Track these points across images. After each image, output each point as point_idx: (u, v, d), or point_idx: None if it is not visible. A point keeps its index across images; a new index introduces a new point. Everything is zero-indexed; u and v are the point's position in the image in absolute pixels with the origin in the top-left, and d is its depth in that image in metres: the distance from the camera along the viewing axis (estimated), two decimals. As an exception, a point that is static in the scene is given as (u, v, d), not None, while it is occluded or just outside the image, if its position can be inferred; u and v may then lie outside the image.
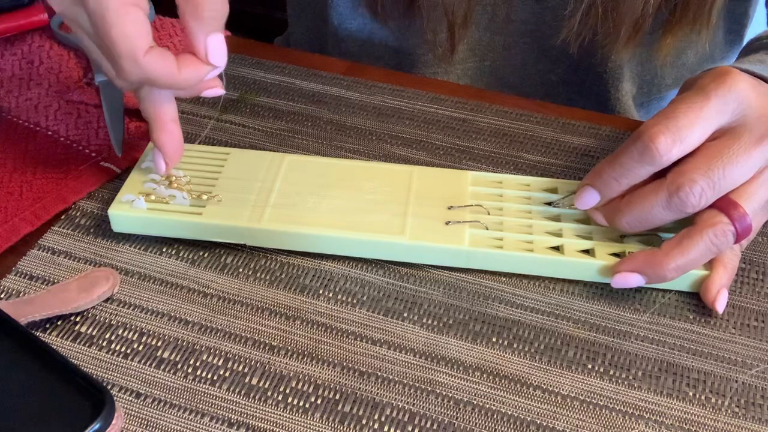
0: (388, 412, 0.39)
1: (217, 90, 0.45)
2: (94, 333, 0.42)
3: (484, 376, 0.41)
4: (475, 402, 0.40)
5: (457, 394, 0.40)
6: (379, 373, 0.41)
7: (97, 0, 0.38)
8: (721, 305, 0.43)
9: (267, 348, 0.42)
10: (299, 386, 0.40)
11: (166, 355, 0.42)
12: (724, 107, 0.42)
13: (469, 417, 0.39)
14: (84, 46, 0.43)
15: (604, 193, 0.44)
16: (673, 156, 0.41)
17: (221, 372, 0.41)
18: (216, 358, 0.41)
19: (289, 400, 0.40)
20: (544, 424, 0.39)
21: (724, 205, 0.41)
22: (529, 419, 0.39)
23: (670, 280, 0.43)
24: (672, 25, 0.60)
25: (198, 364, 0.41)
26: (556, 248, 0.45)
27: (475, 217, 0.46)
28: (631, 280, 0.43)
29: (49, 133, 0.54)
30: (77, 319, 0.43)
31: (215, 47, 0.41)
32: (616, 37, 0.60)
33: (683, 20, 0.59)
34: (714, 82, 0.42)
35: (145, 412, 0.39)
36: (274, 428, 0.38)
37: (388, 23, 0.66)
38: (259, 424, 0.39)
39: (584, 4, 0.57)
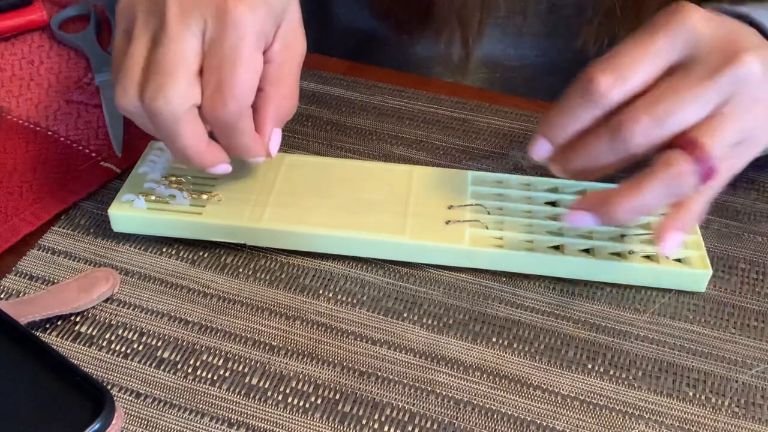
0: (388, 412, 0.39)
1: (225, 168, 0.45)
2: (94, 333, 0.42)
3: (484, 376, 0.41)
4: (475, 402, 0.40)
5: (457, 394, 0.40)
6: (379, 373, 0.41)
7: (167, 120, 0.40)
8: (667, 247, 0.40)
9: (267, 348, 0.42)
10: (299, 386, 0.40)
11: (166, 355, 0.42)
12: (673, 42, 0.38)
13: (469, 417, 0.39)
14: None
15: (554, 141, 0.41)
16: (614, 96, 0.38)
17: (221, 372, 0.41)
18: (216, 358, 0.41)
19: (289, 400, 0.40)
20: (544, 424, 0.39)
21: (685, 143, 0.38)
22: (529, 419, 0.39)
23: (624, 221, 0.41)
24: None
25: (198, 364, 0.41)
26: (557, 248, 0.45)
27: (475, 217, 0.46)
28: (583, 218, 0.41)
29: (49, 133, 0.54)
30: (77, 319, 0.43)
31: (277, 139, 0.45)
32: None
33: None
34: (664, 17, 0.39)
35: (145, 412, 0.39)
36: (274, 428, 0.38)
37: (399, 32, 0.65)
38: (259, 424, 0.39)
39: (602, 9, 0.56)
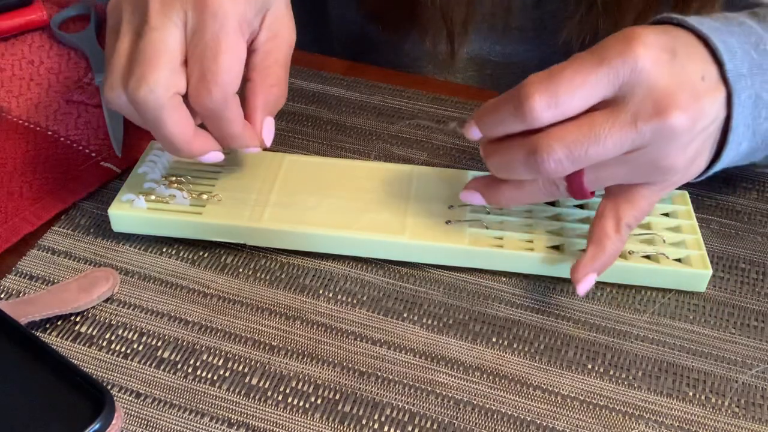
0: (388, 412, 0.39)
1: (216, 156, 0.45)
2: (94, 333, 0.42)
3: (484, 376, 0.41)
4: (475, 402, 0.40)
5: (457, 394, 0.40)
6: (379, 373, 0.41)
7: (151, 108, 0.41)
8: (583, 289, 0.42)
9: (267, 348, 0.42)
10: (299, 386, 0.40)
11: (166, 355, 0.42)
12: (614, 78, 0.37)
13: (469, 417, 0.39)
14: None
15: (484, 133, 0.42)
16: (545, 119, 0.38)
17: (221, 372, 0.41)
18: (216, 358, 0.41)
19: (289, 400, 0.40)
20: (544, 424, 0.39)
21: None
22: (529, 419, 0.39)
23: (505, 206, 0.44)
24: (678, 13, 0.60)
25: (198, 364, 0.41)
26: (557, 247, 0.45)
27: (475, 217, 0.46)
28: (472, 197, 0.44)
29: (49, 133, 0.54)
30: (77, 319, 0.43)
31: (269, 128, 0.46)
32: None
33: (687, 12, 0.59)
34: (615, 47, 0.38)
35: (145, 412, 0.39)
36: (274, 428, 0.38)
37: (388, 31, 0.66)
38: (259, 424, 0.39)
39: (584, 4, 0.57)
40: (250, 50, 0.44)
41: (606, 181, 0.41)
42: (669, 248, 0.45)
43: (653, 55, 0.37)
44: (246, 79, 0.44)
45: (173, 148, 0.43)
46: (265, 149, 0.46)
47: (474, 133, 0.42)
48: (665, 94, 0.37)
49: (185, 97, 0.42)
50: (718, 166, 0.42)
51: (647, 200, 0.42)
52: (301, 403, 0.39)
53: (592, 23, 0.58)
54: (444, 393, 0.40)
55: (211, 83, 0.40)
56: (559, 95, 0.37)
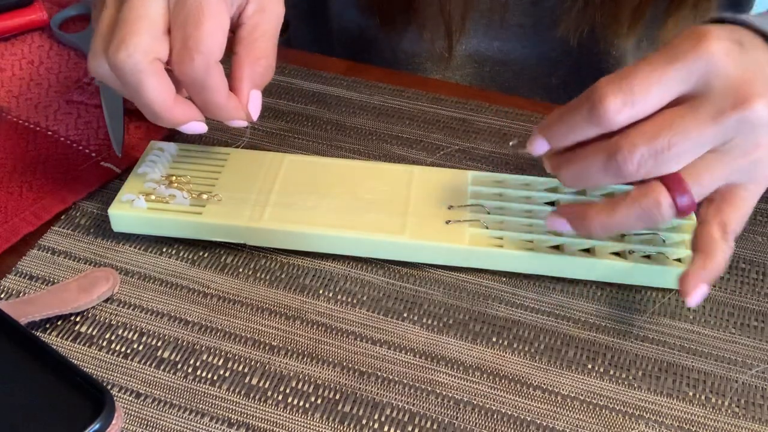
0: (388, 412, 0.39)
1: (198, 126, 0.45)
2: (94, 333, 0.42)
3: (484, 376, 0.41)
4: (475, 402, 0.40)
5: (457, 394, 0.40)
6: (379, 373, 0.41)
7: (130, 72, 0.40)
8: (695, 301, 0.40)
9: (267, 348, 0.42)
10: (299, 386, 0.40)
11: (166, 355, 0.42)
12: (689, 74, 0.37)
13: (469, 417, 0.39)
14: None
15: (553, 144, 0.41)
16: (621, 121, 0.37)
17: (221, 372, 0.41)
18: (216, 358, 0.41)
19: (289, 400, 0.40)
20: (544, 424, 0.39)
21: (669, 176, 0.38)
22: (529, 419, 0.39)
23: (595, 235, 0.42)
24: (673, 8, 0.60)
25: (198, 364, 0.41)
26: (557, 247, 0.45)
27: (475, 216, 0.46)
28: (559, 224, 0.42)
29: (49, 133, 0.54)
30: (77, 319, 0.43)
31: (256, 101, 0.45)
32: (616, 27, 0.59)
33: (684, 5, 0.59)
34: (686, 43, 0.38)
35: (145, 412, 0.39)
36: (274, 428, 0.38)
37: (386, 27, 0.66)
38: (259, 424, 0.39)
39: None
40: (238, 24, 0.44)
41: (709, 186, 0.39)
42: (669, 248, 0.45)
43: (725, 48, 0.37)
44: (233, 53, 0.44)
45: (153, 115, 0.42)
46: (252, 122, 0.45)
47: (540, 146, 0.41)
48: (742, 84, 0.37)
49: (172, 76, 0.42)
50: None
51: (748, 202, 0.41)
52: (301, 403, 0.39)
53: (589, 17, 0.58)
54: (444, 393, 0.40)
55: (193, 50, 0.40)
56: (635, 94, 0.37)
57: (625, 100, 0.37)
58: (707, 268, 0.40)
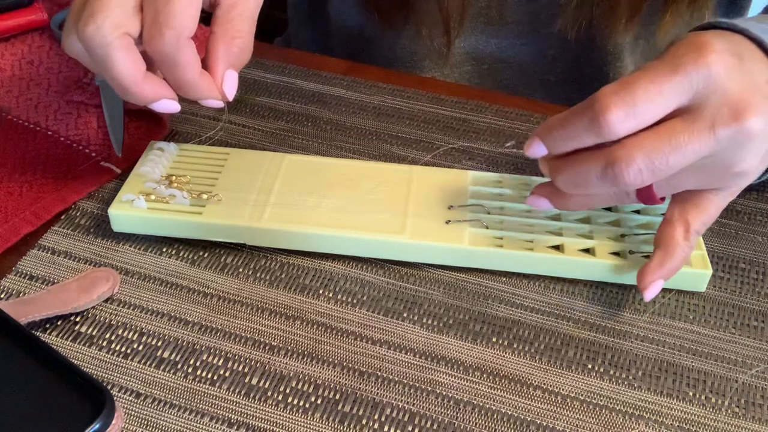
0: (388, 412, 0.39)
1: (170, 104, 0.44)
2: (94, 333, 0.42)
3: (484, 376, 0.41)
4: (475, 402, 0.40)
5: (457, 394, 0.40)
6: (379, 373, 0.41)
7: (98, 46, 0.40)
8: (650, 295, 0.42)
9: (267, 348, 0.42)
10: (299, 386, 0.40)
11: (166, 355, 0.42)
12: (689, 86, 0.38)
13: (469, 417, 0.39)
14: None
15: (550, 149, 0.41)
16: (622, 131, 0.38)
17: (221, 372, 0.41)
18: (216, 358, 0.41)
19: (289, 400, 0.40)
20: (544, 424, 0.39)
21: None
22: (529, 419, 0.39)
23: (572, 210, 0.44)
24: (670, 3, 0.60)
25: (198, 364, 0.41)
26: (557, 247, 0.45)
27: (475, 217, 0.46)
28: (539, 203, 0.44)
29: (49, 133, 0.54)
30: (77, 319, 0.43)
31: (231, 80, 0.44)
32: (613, 21, 0.59)
33: (680, 4, 0.59)
34: (687, 54, 0.38)
35: (145, 412, 0.39)
36: (274, 428, 0.38)
37: (384, 23, 0.66)
38: (259, 424, 0.39)
39: None
40: (214, 3, 0.44)
41: (677, 188, 0.40)
42: (669, 248, 0.45)
43: (725, 61, 0.38)
44: (211, 33, 0.44)
45: (123, 90, 0.42)
46: (228, 102, 0.45)
47: (539, 149, 0.41)
48: (739, 99, 0.37)
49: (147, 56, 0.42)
50: None
51: (716, 205, 0.41)
52: (301, 403, 0.39)
53: (587, 11, 0.58)
54: (444, 393, 0.40)
55: (164, 25, 0.40)
56: (637, 105, 0.37)
57: (628, 112, 0.37)
58: (665, 265, 0.42)
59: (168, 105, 0.43)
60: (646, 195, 0.40)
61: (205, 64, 0.43)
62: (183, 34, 0.41)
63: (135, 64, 0.41)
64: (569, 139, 0.40)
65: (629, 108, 0.37)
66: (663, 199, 0.41)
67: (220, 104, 0.44)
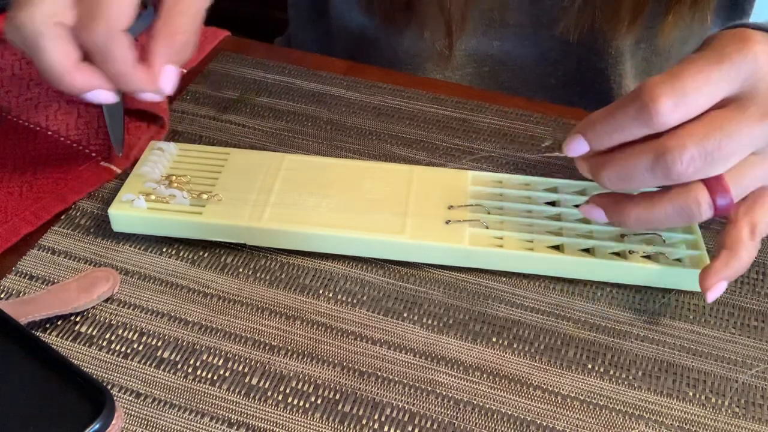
0: (388, 412, 0.39)
1: (103, 95, 0.44)
2: (94, 333, 0.42)
3: (484, 376, 0.41)
4: (475, 402, 0.40)
5: (457, 394, 0.40)
6: (379, 373, 0.41)
7: (30, 34, 0.41)
8: (713, 296, 0.41)
9: (267, 348, 0.42)
10: (299, 386, 0.40)
11: (166, 355, 0.42)
12: (737, 75, 0.38)
13: (469, 417, 0.39)
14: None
15: (594, 145, 0.41)
16: (672, 120, 0.38)
17: (221, 372, 0.41)
18: (216, 358, 0.41)
19: (289, 400, 0.40)
20: (544, 424, 0.39)
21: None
22: (529, 419, 0.39)
23: (630, 227, 0.42)
24: (672, 4, 0.60)
25: (198, 364, 0.41)
26: (557, 247, 0.45)
27: (475, 217, 0.46)
28: (595, 213, 0.43)
29: (49, 133, 0.54)
30: (77, 319, 0.43)
31: (169, 75, 0.44)
32: (616, 24, 0.59)
33: (682, 4, 0.59)
34: (732, 45, 0.38)
35: (145, 412, 0.39)
36: (274, 428, 0.38)
37: (386, 27, 0.66)
38: (259, 424, 0.39)
39: None
40: None
41: (748, 188, 0.40)
42: (669, 248, 0.45)
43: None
44: (153, 27, 0.44)
45: (54, 79, 0.42)
46: (166, 95, 0.45)
47: (580, 147, 0.41)
48: None
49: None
50: None
51: None
52: (301, 403, 0.39)
53: (589, 14, 0.58)
54: (444, 393, 0.40)
55: (97, 15, 0.40)
56: (686, 94, 0.37)
57: (678, 102, 0.37)
58: (730, 266, 0.40)
59: (101, 95, 0.43)
60: (720, 197, 0.38)
61: (144, 57, 0.43)
62: (116, 26, 0.41)
63: (66, 54, 0.41)
64: (615, 132, 0.39)
65: (678, 97, 0.37)
66: (731, 205, 0.39)
67: (157, 98, 0.45)
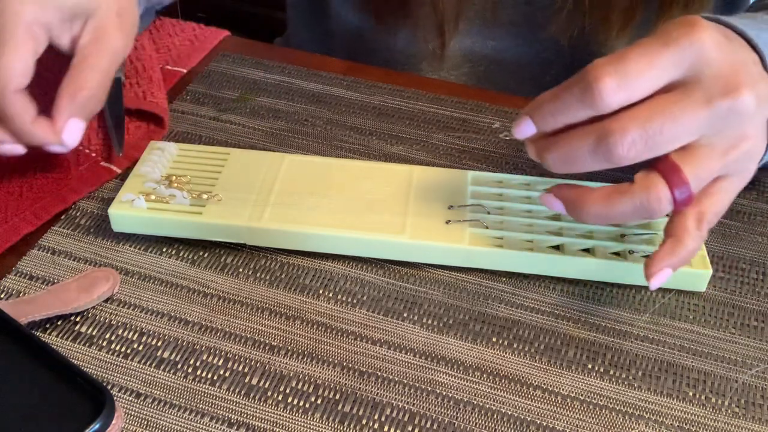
0: (388, 412, 0.39)
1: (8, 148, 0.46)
2: (94, 333, 0.42)
3: (484, 376, 0.41)
4: (475, 402, 0.40)
5: (457, 394, 0.40)
6: (379, 373, 0.41)
7: None
8: (657, 283, 0.40)
9: (267, 348, 0.42)
10: (299, 386, 0.40)
11: (166, 355, 0.42)
12: (682, 59, 0.37)
13: (469, 417, 0.39)
14: None
15: (540, 126, 0.40)
16: (615, 102, 0.37)
17: (221, 372, 0.41)
18: (216, 358, 0.41)
19: (289, 400, 0.40)
20: (544, 424, 0.39)
21: (666, 168, 0.38)
22: (529, 419, 0.39)
23: (589, 223, 0.42)
24: (664, 9, 0.60)
25: (198, 364, 0.41)
26: (557, 247, 0.45)
27: (475, 217, 0.46)
28: (554, 205, 0.42)
29: (49, 133, 0.54)
30: (77, 319, 0.43)
31: (73, 129, 0.46)
32: (607, 27, 0.59)
33: (673, 6, 0.59)
34: (679, 29, 0.38)
35: (145, 412, 0.39)
36: (274, 428, 0.38)
37: (381, 25, 0.66)
38: (259, 424, 0.39)
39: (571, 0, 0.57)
40: (72, 51, 0.46)
41: (706, 180, 0.39)
42: (669, 248, 0.45)
43: (715, 38, 0.38)
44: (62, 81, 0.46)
45: None
46: (69, 148, 0.46)
47: (527, 128, 0.40)
48: (731, 74, 0.37)
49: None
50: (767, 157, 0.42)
51: (729, 195, 0.41)
52: (301, 403, 0.39)
53: (579, 18, 0.58)
54: (444, 393, 0.40)
55: None
56: (629, 76, 0.37)
57: (620, 83, 0.37)
58: (676, 253, 0.40)
59: (9, 149, 0.45)
60: (681, 193, 0.38)
61: (51, 112, 0.45)
62: (9, 87, 0.43)
63: None
64: (559, 113, 0.39)
65: (622, 79, 0.37)
66: (691, 198, 0.39)
67: (64, 149, 0.46)
